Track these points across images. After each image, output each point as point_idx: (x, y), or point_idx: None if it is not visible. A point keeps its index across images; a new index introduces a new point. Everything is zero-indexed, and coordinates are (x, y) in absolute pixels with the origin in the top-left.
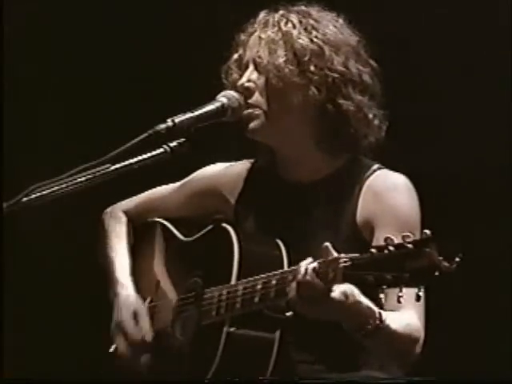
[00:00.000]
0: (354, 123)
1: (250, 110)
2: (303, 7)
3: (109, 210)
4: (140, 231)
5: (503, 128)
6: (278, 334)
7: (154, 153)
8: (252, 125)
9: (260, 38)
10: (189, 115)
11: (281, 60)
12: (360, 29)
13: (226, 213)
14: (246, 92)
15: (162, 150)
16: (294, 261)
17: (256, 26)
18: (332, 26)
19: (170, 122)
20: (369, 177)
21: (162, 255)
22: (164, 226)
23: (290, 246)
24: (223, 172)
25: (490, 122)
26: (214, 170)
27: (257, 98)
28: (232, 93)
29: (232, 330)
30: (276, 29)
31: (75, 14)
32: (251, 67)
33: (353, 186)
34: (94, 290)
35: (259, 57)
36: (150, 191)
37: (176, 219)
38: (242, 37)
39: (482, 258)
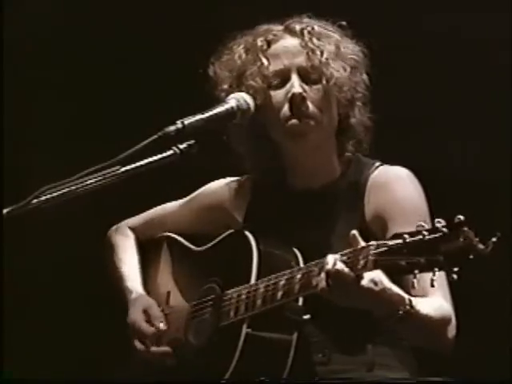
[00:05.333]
0: (361, 136)
1: (306, 121)
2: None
3: (115, 227)
4: (147, 246)
5: (503, 127)
6: (295, 335)
7: (163, 155)
8: (309, 136)
9: (307, 45)
10: (198, 117)
11: (345, 74)
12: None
13: (234, 228)
14: (301, 102)
15: (171, 151)
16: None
17: (284, 33)
18: (355, 45)
19: (179, 124)
20: (372, 173)
21: (170, 267)
22: (171, 238)
23: (306, 251)
24: (227, 189)
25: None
26: (218, 185)
27: (313, 109)
28: (242, 95)
29: (250, 331)
30: (329, 40)
31: (75, 14)
32: (295, 75)
33: (358, 185)
34: (94, 291)
35: (313, 67)
36: (156, 208)
37: (184, 235)
38: (259, 43)
39: (482, 257)
